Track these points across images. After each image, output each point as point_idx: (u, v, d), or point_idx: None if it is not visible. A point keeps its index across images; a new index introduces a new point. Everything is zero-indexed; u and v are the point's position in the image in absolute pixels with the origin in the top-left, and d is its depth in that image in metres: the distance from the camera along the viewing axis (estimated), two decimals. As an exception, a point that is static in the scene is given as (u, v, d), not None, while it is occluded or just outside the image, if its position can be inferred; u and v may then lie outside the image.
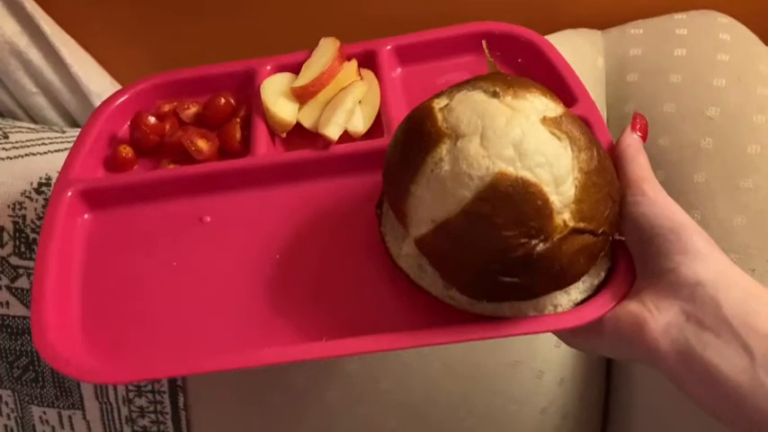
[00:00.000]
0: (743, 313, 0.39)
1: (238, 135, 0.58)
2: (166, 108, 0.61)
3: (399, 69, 0.62)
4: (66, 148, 0.68)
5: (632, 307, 0.42)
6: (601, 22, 0.68)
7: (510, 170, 0.40)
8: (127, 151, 0.58)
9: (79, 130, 0.60)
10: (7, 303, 0.64)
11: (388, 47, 0.61)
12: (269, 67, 0.61)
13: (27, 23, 0.71)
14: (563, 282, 0.42)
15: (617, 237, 0.45)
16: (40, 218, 0.64)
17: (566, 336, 0.47)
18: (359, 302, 0.48)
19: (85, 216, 0.55)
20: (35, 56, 0.71)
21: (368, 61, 0.61)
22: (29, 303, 0.64)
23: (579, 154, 0.42)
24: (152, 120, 0.59)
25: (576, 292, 0.45)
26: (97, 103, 0.70)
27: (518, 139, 0.40)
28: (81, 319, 0.49)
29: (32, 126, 0.73)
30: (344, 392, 0.63)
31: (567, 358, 0.65)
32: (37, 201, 0.64)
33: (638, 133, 0.48)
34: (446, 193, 0.41)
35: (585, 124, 0.50)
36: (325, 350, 0.44)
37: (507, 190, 0.40)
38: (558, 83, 0.55)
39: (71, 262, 0.52)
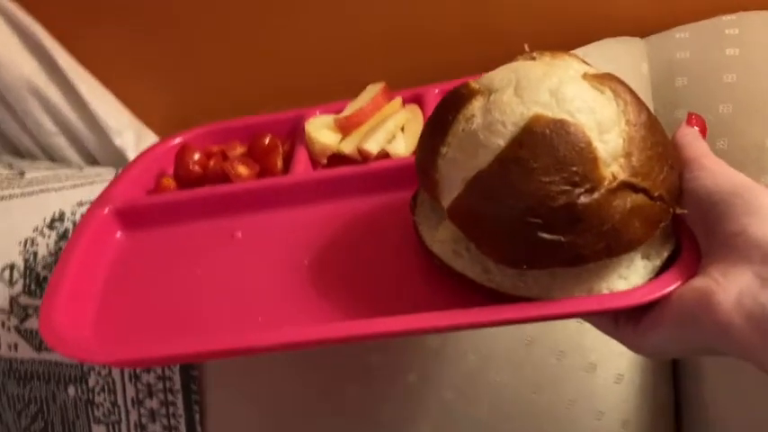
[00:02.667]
0: None
1: (279, 164, 0.57)
2: (215, 149, 0.62)
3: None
4: (82, 184, 0.67)
5: (698, 282, 0.36)
6: (642, 29, 0.66)
7: (547, 113, 0.36)
8: (169, 182, 0.58)
9: (98, 167, 0.60)
10: (15, 346, 0.61)
11: (436, 90, 0.61)
12: (318, 113, 0.61)
13: (45, 61, 0.73)
14: (616, 246, 0.37)
15: (678, 211, 0.39)
16: (51, 254, 0.63)
17: (624, 330, 0.40)
18: (392, 295, 0.43)
19: (118, 234, 0.53)
20: (54, 93, 0.72)
21: (415, 102, 0.60)
22: (39, 346, 0.61)
23: (626, 107, 0.38)
24: (197, 155, 0.60)
25: (636, 276, 0.39)
26: (116, 140, 0.71)
27: (555, 86, 0.37)
28: (95, 314, 0.46)
29: (50, 164, 0.74)
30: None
31: (629, 396, 0.56)
32: (49, 237, 0.63)
33: (695, 127, 0.44)
34: (478, 147, 0.37)
35: None
36: (354, 329, 0.39)
37: (544, 131, 0.36)
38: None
39: (96, 267, 0.50)
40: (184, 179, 0.59)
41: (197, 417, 0.60)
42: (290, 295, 0.45)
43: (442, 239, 0.42)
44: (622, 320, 0.40)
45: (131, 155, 0.75)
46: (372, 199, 0.51)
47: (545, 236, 0.36)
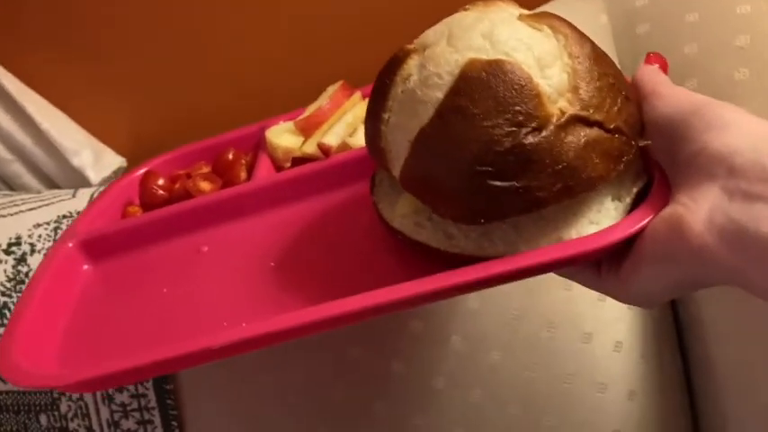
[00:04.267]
0: None
1: (243, 175, 0.55)
2: (180, 172, 0.60)
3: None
4: (39, 206, 0.65)
5: (666, 212, 0.33)
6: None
7: (481, 56, 0.35)
8: (135, 210, 0.57)
9: (57, 191, 0.59)
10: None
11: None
12: (281, 122, 0.60)
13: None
14: (575, 185, 0.34)
15: (641, 143, 0.37)
16: (9, 279, 0.60)
17: (606, 281, 0.37)
18: (360, 280, 0.40)
19: (85, 267, 0.52)
20: (3, 118, 0.71)
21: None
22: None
23: (567, 41, 0.36)
24: (161, 180, 0.58)
25: (607, 219, 0.36)
26: (74, 160, 0.70)
27: (488, 30, 0.36)
28: (58, 346, 0.44)
29: (7, 192, 0.72)
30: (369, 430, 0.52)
31: (631, 364, 0.52)
32: (7, 262, 0.61)
33: (655, 65, 0.42)
34: (417, 104, 0.36)
35: None
36: (324, 310, 0.37)
37: (480, 75, 0.34)
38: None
39: (61, 301, 0.48)
40: (150, 205, 0.57)
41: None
42: (258, 298, 0.43)
43: (403, 213, 0.39)
44: (604, 270, 0.37)
45: (91, 174, 0.74)
46: (336, 194, 0.50)
47: (497, 183, 0.34)
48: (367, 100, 0.56)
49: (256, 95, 0.71)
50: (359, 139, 0.52)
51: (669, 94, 0.36)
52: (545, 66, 0.35)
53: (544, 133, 0.33)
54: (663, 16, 0.57)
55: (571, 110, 0.34)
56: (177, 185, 0.58)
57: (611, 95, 0.36)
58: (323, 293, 0.41)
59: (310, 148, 0.54)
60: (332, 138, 0.51)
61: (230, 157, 0.58)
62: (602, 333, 0.53)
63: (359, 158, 0.50)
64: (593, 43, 0.37)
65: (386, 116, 0.38)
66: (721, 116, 0.33)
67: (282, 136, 0.56)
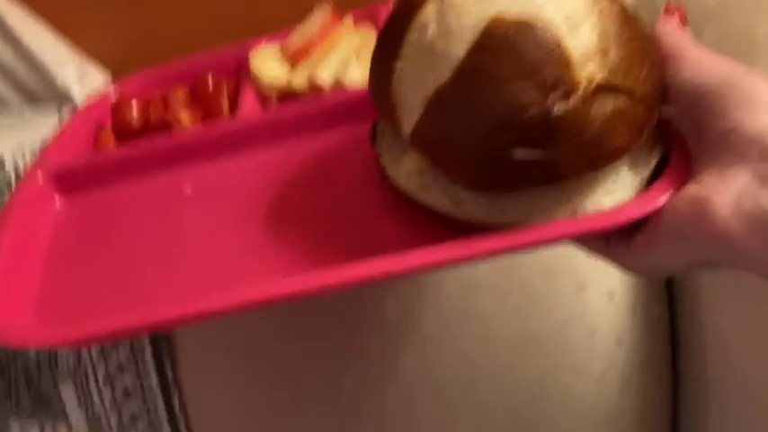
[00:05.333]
0: None
1: (225, 106, 0.52)
2: (155, 96, 0.56)
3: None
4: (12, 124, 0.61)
5: (690, 190, 0.32)
6: None
7: (508, 11, 0.32)
8: (107, 137, 0.53)
9: (36, 105, 0.54)
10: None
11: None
12: (263, 43, 0.56)
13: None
14: (599, 158, 0.33)
15: (664, 112, 0.35)
16: None
17: (616, 250, 0.36)
18: (360, 239, 0.39)
19: (56, 200, 0.48)
20: None
21: (369, 22, 0.55)
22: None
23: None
24: (135, 106, 0.54)
25: (623, 190, 0.35)
26: (58, 76, 0.65)
27: (516, -19, 0.33)
28: (35, 293, 0.41)
29: None
30: (360, 375, 0.52)
31: (622, 313, 0.53)
32: None
33: (675, 18, 0.39)
34: (435, 58, 0.33)
35: None
36: (319, 280, 0.35)
37: (506, 34, 0.31)
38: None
39: (33, 240, 0.45)
40: (124, 133, 0.54)
41: (168, 365, 0.56)
42: (250, 252, 0.40)
43: (408, 172, 0.37)
44: (614, 239, 0.36)
45: (76, 91, 0.69)
46: (329, 136, 0.47)
47: (519, 153, 0.32)
48: (361, 30, 0.53)
49: (237, 14, 0.66)
50: (353, 75, 0.49)
51: (696, 59, 0.34)
52: (574, 25, 0.32)
53: (571, 102, 0.31)
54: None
55: (599, 76, 0.32)
56: (153, 114, 0.54)
57: (640, 60, 0.33)
58: (319, 249, 0.39)
59: (299, 80, 0.51)
60: (325, 75, 0.48)
61: (210, 83, 0.55)
62: (596, 283, 0.53)
63: (355, 98, 0.47)
64: (623, 4, 0.35)
65: (397, 66, 0.35)
66: (755, 92, 0.31)
67: (268, 64, 0.52)
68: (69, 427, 0.56)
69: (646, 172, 0.35)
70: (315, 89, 0.49)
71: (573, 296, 0.53)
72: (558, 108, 0.31)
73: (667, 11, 0.39)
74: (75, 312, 0.40)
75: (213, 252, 0.42)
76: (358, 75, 0.49)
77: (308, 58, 0.52)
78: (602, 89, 0.32)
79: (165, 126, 0.52)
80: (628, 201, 0.34)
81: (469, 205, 0.35)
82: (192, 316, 0.36)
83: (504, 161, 0.32)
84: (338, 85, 0.49)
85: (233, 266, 0.40)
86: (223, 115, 0.51)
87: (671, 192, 0.33)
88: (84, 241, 0.46)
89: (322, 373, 0.53)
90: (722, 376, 0.51)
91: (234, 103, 0.52)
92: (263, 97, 0.52)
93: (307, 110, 0.47)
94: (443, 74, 0.33)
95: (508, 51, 0.31)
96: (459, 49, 0.32)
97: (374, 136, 0.41)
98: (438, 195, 0.36)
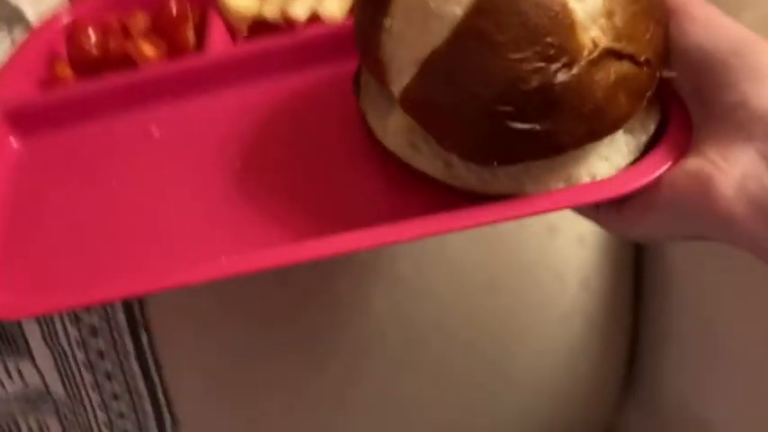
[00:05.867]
0: None
1: (191, 38, 0.48)
2: (113, 23, 0.52)
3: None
4: None
5: (691, 164, 0.31)
6: None
7: None
8: (64, 70, 0.49)
9: None
10: None
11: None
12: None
13: None
14: (599, 128, 0.31)
15: (665, 74, 0.33)
16: None
17: (606, 215, 0.35)
18: (340, 199, 0.37)
19: (12, 141, 0.45)
20: None
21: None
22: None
23: None
24: (92, 33, 0.50)
25: (619, 155, 0.34)
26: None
27: (519, -69, 0.30)
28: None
29: None
30: (332, 314, 0.52)
31: (589, 256, 0.54)
32: None
33: None
34: (430, 17, 0.30)
35: None
36: (306, 251, 0.34)
37: (510, -5, 0.29)
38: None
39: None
40: (81, 64, 0.50)
41: (136, 302, 0.55)
42: (226, 208, 0.39)
43: (396, 130, 0.35)
44: (604, 205, 0.35)
45: (29, 12, 0.63)
46: (306, 75, 0.44)
47: (517, 125, 0.30)
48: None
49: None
50: (330, 7, 0.46)
51: (704, 19, 0.32)
52: (581, -14, 0.30)
53: (574, 70, 0.29)
54: None
55: (604, 41, 0.30)
56: (112, 42, 0.50)
57: (645, 21, 0.31)
58: (299, 208, 0.37)
59: (271, 12, 0.47)
60: (300, 7, 0.44)
61: (174, 10, 0.50)
62: (567, 227, 0.53)
63: (333, 34, 0.44)
64: None
65: (387, 22, 0.32)
66: (766, 65, 0.30)
67: (236, -8, 0.48)
68: (35, 363, 0.55)
69: (643, 137, 0.34)
70: (289, 21, 0.46)
71: (543, 240, 0.52)
72: (561, 77, 0.29)
73: None
74: (38, 275, 0.38)
75: (184, 207, 0.39)
76: (335, 6, 0.46)
77: (280, -15, 0.48)
78: (607, 55, 0.30)
79: (126, 58, 0.48)
80: (624, 169, 0.33)
81: (461, 171, 0.34)
82: (171, 287, 0.34)
83: (501, 133, 0.30)
84: (314, 18, 0.46)
85: (206, 225, 0.38)
86: (189, 47, 0.48)
87: (670, 162, 0.32)
88: (45, 189, 0.43)
89: (296, 318, 0.52)
90: (682, 317, 0.53)
91: (200, 34, 0.48)
92: (232, 28, 0.48)
93: (281, 46, 0.44)
94: (438, 35, 0.30)
95: (510, 14, 0.29)
96: (456, 6, 0.30)
97: (357, 88, 0.38)
98: (428, 159, 0.34)
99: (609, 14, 0.30)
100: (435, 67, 0.31)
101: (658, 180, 0.32)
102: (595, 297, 0.55)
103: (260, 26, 0.48)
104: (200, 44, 0.48)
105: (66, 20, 0.52)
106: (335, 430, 0.56)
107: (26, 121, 0.45)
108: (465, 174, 0.34)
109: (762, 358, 0.45)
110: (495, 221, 0.32)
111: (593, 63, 0.30)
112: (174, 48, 0.48)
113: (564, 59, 0.29)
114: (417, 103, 0.32)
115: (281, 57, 0.44)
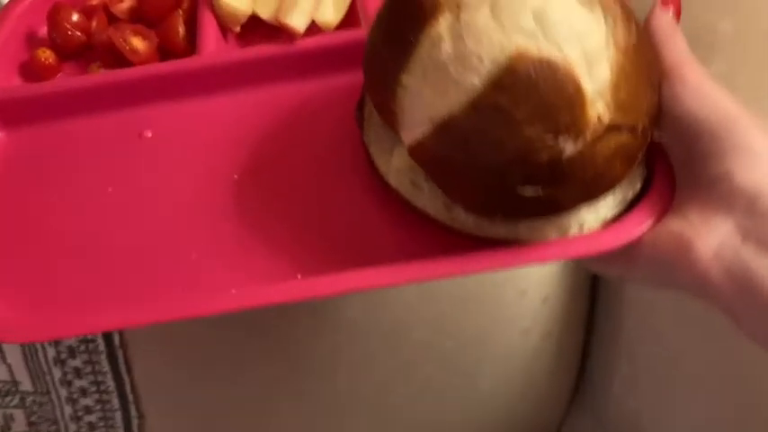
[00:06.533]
0: None
1: (182, 31, 0.47)
2: (94, 1, 0.50)
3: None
4: None
5: (674, 225, 0.34)
6: None
7: (531, 47, 0.31)
8: (47, 55, 0.48)
9: None
10: None
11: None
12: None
13: None
14: (595, 192, 0.34)
15: (656, 137, 0.36)
16: None
17: (590, 261, 0.38)
18: (339, 229, 0.39)
19: (-3, 134, 0.45)
20: None
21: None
22: None
23: (615, 26, 0.32)
24: (75, 15, 0.48)
25: (606, 207, 0.36)
26: None
27: (539, 7, 0.31)
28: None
29: None
30: (303, 324, 0.55)
31: (550, 273, 0.57)
32: None
33: (670, 13, 0.39)
34: (448, 83, 0.32)
35: None
36: (301, 291, 0.35)
37: (528, 73, 0.30)
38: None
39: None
40: (64, 48, 0.48)
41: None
42: (225, 227, 0.39)
43: (399, 167, 0.37)
44: None
45: None
46: (302, 83, 0.44)
47: (525, 191, 0.32)
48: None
49: None
50: (325, 15, 0.46)
51: (696, 87, 0.35)
52: (592, 62, 0.31)
53: (580, 145, 0.31)
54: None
55: (608, 117, 0.32)
56: (95, 24, 0.49)
57: (644, 89, 0.33)
58: (298, 234, 0.38)
59: (266, 13, 0.47)
60: (297, 18, 0.44)
61: (159, -5, 0.49)
62: (536, 289, 0.56)
63: (334, 47, 0.44)
64: (637, 24, 0.34)
65: (404, 78, 0.33)
66: (753, 141, 0.32)
67: (230, -13, 0.47)
68: (4, 358, 0.55)
69: (630, 192, 0.36)
70: (283, 26, 0.45)
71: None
72: (568, 152, 0.31)
73: (664, 1, 0.38)
74: (25, 290, 0.38)
75: (180, 219, 0.40)
76: (329, 14, 0.46)
77: (274, -18, 0.48)
78: (610, 128, 0.32)
79: (111, 46, 0.47)
80: (609, 223, 0.36)
81: (460, 213, 0.36)
82: (169, 319, 0.35)
83: (508, 195, 0.33)
84: (309, 25, 0.46)
85: (202, 244, 0.39)
86: (179, 41, 0.47)
87: (652, 221, 0.35)
88: (32, 187, 0.43)
89: (275, 327, 0.54)
90: (633, 336, 0.57)
91: (191, 28, 0.48)
92: (223, 24, 0.47)
93: (279, 54, 0.44)
94: (455, 101, 0.31)
95: (528, 91, 0.30)
96: (475, 77, 0.31)
97: (361, 118, 0.39)
98: (429, 199, 0.36)
99: (615, 88, 0.32)
100: (451, 130, 0.32)
101: (641, 237, 0.35)
102: (553, 313, 0.58)
103: (253, 22, 0.47)
104: (190, 38, 0.47)
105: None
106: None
107: (11, 113, 0.44)
108: (464, 218, 0.36)
109: (713, 381, 0.49)
110: (489, 270, 0.35)
111: (598, 137, 0.32)
112: (164, 41, 0.47)
113: (572, 134, 0.31)
114: (428, 157, 0.34)
115: (280, 65, 0.44)
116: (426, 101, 0.33)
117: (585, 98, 0.31)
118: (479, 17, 0.31)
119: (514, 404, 0.61)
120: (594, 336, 0.62)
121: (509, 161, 0.31)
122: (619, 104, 0.32)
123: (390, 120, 0.35)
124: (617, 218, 0.36)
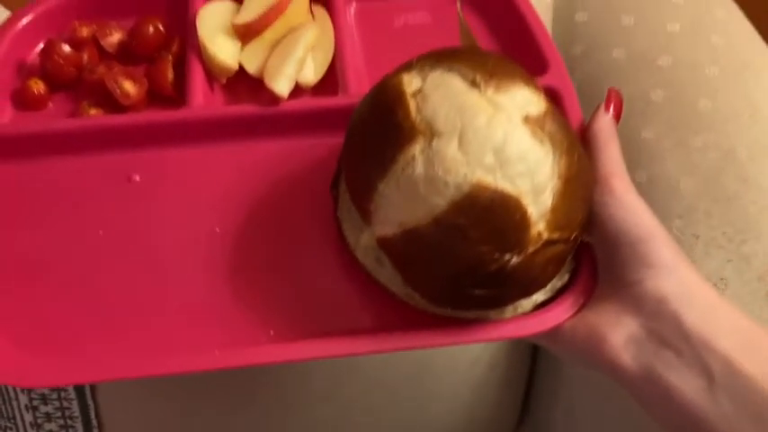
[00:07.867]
0: (703, 331, 0.38)
1: (170, 76, 0.51)
2: (84, 33, 0.53)
3: (354, 5, 0.56)
4: None
5: (591, 318, 0.41)
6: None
7: (489, 180, 0.36)
8: (38, 86, 0.51)
9: None
10: None
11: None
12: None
13: None
14: (531, 290, 0.41)
15: (585, 239, 0.42)
16: None
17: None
18: (309, 292, 0.44)
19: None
20: None
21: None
22: None
23: (560, 159, 0.38)
24: (67, 49, 0.51)
25: (539, 294, 0.43)
26: None
27: (499, 145, 0.37)
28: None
29: None
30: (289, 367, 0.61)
31: None
32: None
33: (612, 113, 0.45)
34: (418, 198, 0.37)
35: (555, 96, 0.47)
36: (265, 355, 0.41)
37: (485, 203, 0.36)
38: (528, 44, 0.51)
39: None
40: (56, 81, 0.51)
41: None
42: (202, 278, 0.44)
43: (366, 245, 0.42)
44: None
45: None
46: (285, 142, 0.49)
47: (474, 292, 0.39)
48: (316, 17, 0.53)
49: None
50: (306, 75, 0.50)
51: (623, 200, 0.41)
52: (539, 192, 0.37)
53: (522, 258, 0.38)
54: (601, 10, 0.55)
55: (546, 234, 0.38)
56: (86, 58, 0.52)
57: (579, 206, 0.40)
58: (275, 296, 0.44)
59: (252, 67, 0.51)
60: (282, 84, 0.48)
61: (150, 30, 0.52)
62: None
63: (318, 112, 0.49)
64: (579, 150, 0.40)
65: (381, 186, 0.38)
66: (665, 257, 0.39)
67: (218, 40, 0.51)
68: None
69: (559, 283, 0.43)
70: (273, 99, 0.49)
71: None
72: (512, 263, 0.38)
73: (608, 100, 0.45)
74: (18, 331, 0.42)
75: (165, 268, 0.44)
76: (310, 74, 0.51)
77: (260, 36, 0.51)
78: (547, 243, 0.39)
79: (103, 87, 0.50)
80: (540, 308, 0.42)
81: (417, 297, 0.42)
82: (160, 375, 0.41)
83: (460, 293, 0.39)
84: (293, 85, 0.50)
85: (169, 285, 0.44)
86: (168, 85, 0.50)
87: (571, 313, 0.41)
88: (16, 223, 0.46)
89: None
90: (573, 367, 0.64)
91: (178, 71, 0.51)
92: (210, 75, 0.51)
93: (266, 115, 0.48)
94: (423, 215, 0.37)
95: (484, 216, 0.36)
96: (441, 199, 0.36)
97: (336, 195, 0.44)
98: (391, 275, 0.42)
99: (554, 211, 0.38)
100: (416, 237, 0.38)
101: (562, 325, 0.42)
102: (500, 345, 0.65)
103: (238, 75, 0.51)
104: (179, 83, 0.51)
105: (27, 22, 0.52)
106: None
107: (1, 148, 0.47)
108: (418, 298, 0.42)
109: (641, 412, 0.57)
110: (440, 346, 0.42)
111: (536, 250, 0.38)
112: (153, 83, 0.50)
113: (516, 250, 0.37)
114: (394, 251, 0.40)
115: (263, 123, 0.48)
116: (397, 208, 0.38)
117: (530, 222, 0.37)
118: (449, 148, 0.37)
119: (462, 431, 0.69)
120: (538, 367, 0.68)
121: (463, 270, 0.38)
122: (557, 224, 0.38)
123: (365, 214, 0.40)
124: (546, 303, 0.43)
